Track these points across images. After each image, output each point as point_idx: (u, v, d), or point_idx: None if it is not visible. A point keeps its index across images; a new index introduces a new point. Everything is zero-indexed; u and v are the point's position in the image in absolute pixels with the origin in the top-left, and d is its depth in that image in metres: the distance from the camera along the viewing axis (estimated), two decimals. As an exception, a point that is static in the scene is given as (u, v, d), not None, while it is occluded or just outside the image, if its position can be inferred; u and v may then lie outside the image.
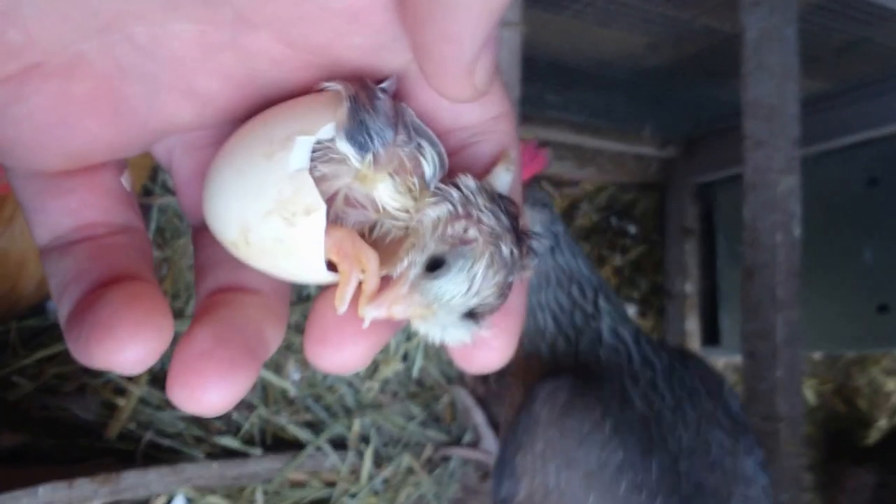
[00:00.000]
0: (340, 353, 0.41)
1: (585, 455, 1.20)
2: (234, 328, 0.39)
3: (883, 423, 2.79)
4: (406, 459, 1.81)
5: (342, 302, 0.40)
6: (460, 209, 0.41)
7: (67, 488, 1.22)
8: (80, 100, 0.38)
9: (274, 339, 0.43)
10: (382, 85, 0.42)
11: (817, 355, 2.62)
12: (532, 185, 1.34)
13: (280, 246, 0.40)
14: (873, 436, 2.76)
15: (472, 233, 0.41)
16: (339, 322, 0.41)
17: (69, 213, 0.41)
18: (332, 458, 1.71)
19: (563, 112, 2.25)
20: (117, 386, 1.52)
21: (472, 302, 0.40)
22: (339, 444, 1.75)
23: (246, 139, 0.41)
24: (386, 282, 0.42)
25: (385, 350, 1.87)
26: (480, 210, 0.41)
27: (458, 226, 0.41)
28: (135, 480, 1.34)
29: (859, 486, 2.40)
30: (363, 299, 0.40)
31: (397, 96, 0.43)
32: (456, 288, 0.40)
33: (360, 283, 0.41)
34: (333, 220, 0.41)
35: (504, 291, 0.42)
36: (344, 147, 0.39)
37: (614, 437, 1.19)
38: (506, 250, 0.41)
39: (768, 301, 1.42)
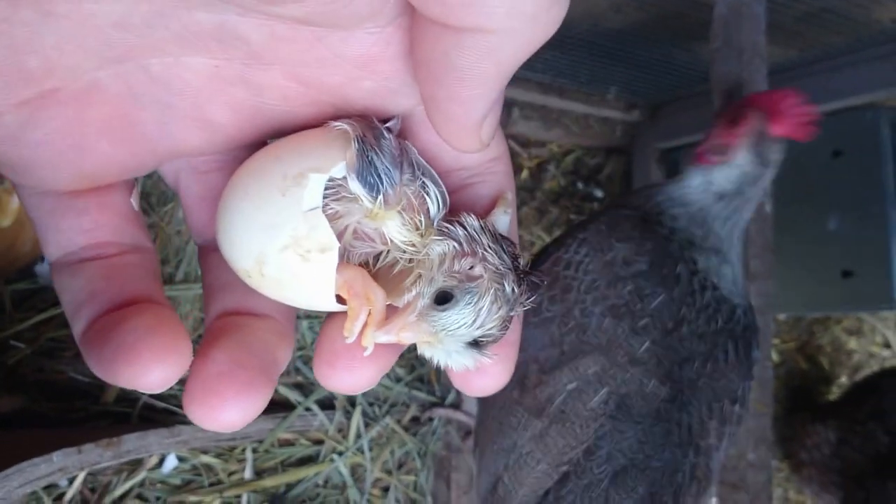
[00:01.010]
0: (350, 376, 0.43)
1: (617, 248, 1.24)
2: (249, 351, 0.41)
3: (844, 381, 2.86)
4: (391, 420, 1.86)
5: (351, 334, 0.42)
6: (466, 247, 0.43)
7: (77, 453, 1.28)
8: (95, 124, 0.39)
9: (284, 359, 0.44)
10: (388, 124, 0.44)
11: (782, 316, 2.68)
12: (777, 144, 1.31)
13: (293, 279, 0.41)
14: (834, 392, 2.82)
15: (478, 270, 0.43)
16: (348, 346, 0.43)
17: (81, 232, 0.42)
18: (321, 417, 1.75)
19: (529, 71, 2.22)
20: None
21: (477, 333, 0.43)
22: (327, 405, 1.79)
23: (259, 172, 0.42)
24: (391, 310, 0.44)
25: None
26: (485, 249, 0.43)
27: (465, 262, 0.43)
28: (135, 443, 1.39)
29: (820, 441, 2.43)
30: (369, 332, 0.42)
31: (402, 135, 0.45)
32: (462, 320, 0.43)
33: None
34: (342, 254, 0.42)
35: (506, 325, 0.44)
36: (356, 188, 0.41)
37: (646, 257, 1.23)
38: (508, 288, 0.43)
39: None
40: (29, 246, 1.33)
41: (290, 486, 1.72)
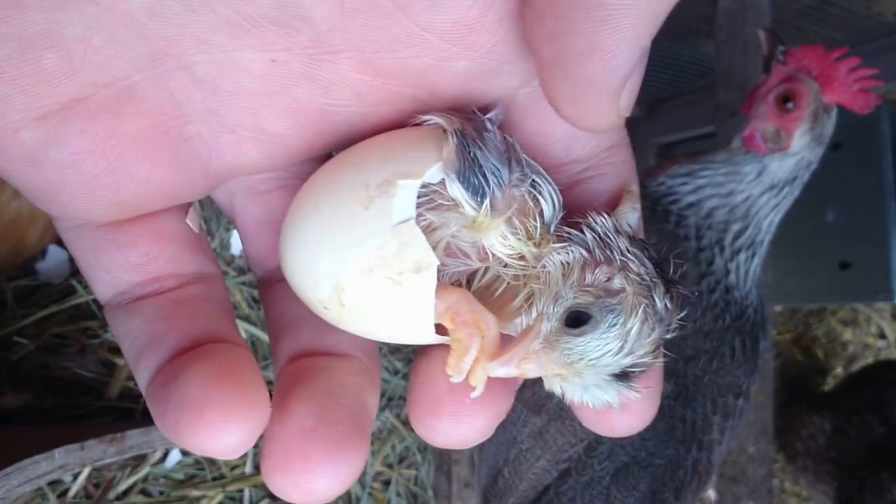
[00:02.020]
0: (460, 426, 0.35)
1: None
2: (336, 400, 0.34)
3: (839, 372, 2.86)
4: (391, 415, 1.85)
5: (459, 372, 0.35)
6: (598, 253, 0.35)
7: (80, 450, 1.26)
8: (132, 141, 0.33)
9: (374, 405, 0.37)
10: (489, 115, 0.36)
11: (778, 307, 2.69)
12: (831, 116, 1.19)
13: (382, 308, 0.34)
14: (829, 384, 2.82)
15: (619, 282, 0.35)
16: (452, 390, 0.35)
17: (131, 268, 0.36)
18: (321, 412, 1.75)
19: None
20: (113, 345, 1.52)
21: (626, 362, 0.35)
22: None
23: (333, 183, 0.35)
24: (506, 341, 0.36)
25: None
26: (624, 255, 0.35)
27: (600, 273, 0.35)
28: (139, 439, 1.38)
29: (815, 432, 2.43)
30: (479, 368, 0.35)
31: (500, 128, 0.37)
32: (606, 346, 0.34)
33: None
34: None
35: (658, 349, 0.36)
36: (457, 192, 0.34)
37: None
38: (659, 303, 0.35)
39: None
40: (36, 239, 1.32)
41: (291, 481, 1.72)
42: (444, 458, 1.91)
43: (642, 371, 0.36)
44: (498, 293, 0.38)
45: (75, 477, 1.43)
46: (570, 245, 0.36)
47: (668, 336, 0.36)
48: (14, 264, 1.39)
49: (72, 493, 1.42)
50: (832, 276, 2.18)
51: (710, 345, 1.20)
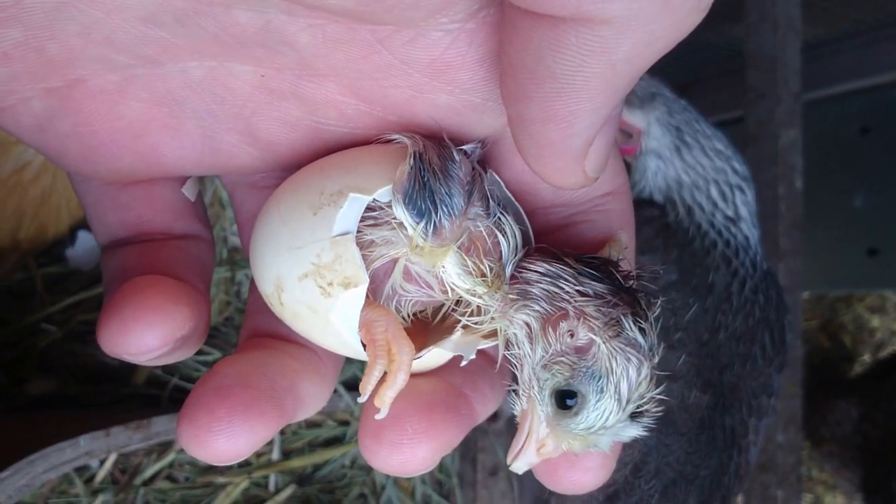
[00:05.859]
0: (397, 454, 0.34)
1: (640, 261, 1.06)
2: (263, 372, 0.35)
3: (866, 359, 2.85)
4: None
5: (363, 392, 0.35)
6: (549, 307, 0.34)
7: (105, 437, 1.26)
8: (130, 123, 0.35)
9: (311, 397, 0.37)
10: (465, 147, 0.36)
11: (805, 294, 2.67)
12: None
13: (312, 315, 0.35)
14: (856, 370, 2.81)
15: (584, 334, 0.33)
16: (398, 416, 0.35)
17: (125, 227, 0.39)
18: (346, 399, 1.73)
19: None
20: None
21: (630, 409, 0.34)
22: (353, 387, 1.76)
23: (299, 185, 0.36)
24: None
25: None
26: (576, 298, 0.33)
27: (562, 332, 0.34)
28: (165, 426, 1.38)
29: (841, 418, 2.42)
30: (385, 390, 0.34)
31: (488, 164, 0.38)
32: (606, 412, 0.33)
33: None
34: (390, 297, 0.36)
35: (654, 377, 0.34)
36: (400, 212, 0.34)
37: (674, 266, 1.15)
38: (634, 333, 0.33)
39: (771, 250, 1.45)
40: (62, 220, 1.32)
41: (317, 467, 1.72)
42: (469, 446, 1.91)
43: (650, 402, 0.35)
44: (445, 323, 0.38)
45: (102, 463, 1.44)
46: (524, 301, 0.35)
47: (657, 358, 0.34)
48: (40, 247, 1.40)
49: (98, 478, 1.43)
50: (860, 262, 2.17)
51: (743, 347, 1.20)
